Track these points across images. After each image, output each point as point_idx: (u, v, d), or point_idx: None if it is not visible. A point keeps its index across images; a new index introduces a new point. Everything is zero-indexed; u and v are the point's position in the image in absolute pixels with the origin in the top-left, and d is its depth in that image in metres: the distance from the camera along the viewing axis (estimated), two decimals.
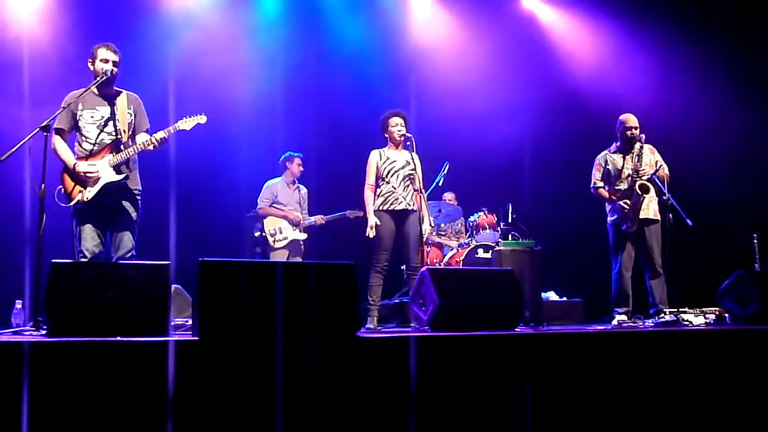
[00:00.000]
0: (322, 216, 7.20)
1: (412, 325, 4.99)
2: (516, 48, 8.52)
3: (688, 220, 5.67)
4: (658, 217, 6.01)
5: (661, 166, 6.03)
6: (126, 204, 4.84)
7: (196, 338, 3.64)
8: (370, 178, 5.79)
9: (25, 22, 6.74)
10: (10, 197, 6.25)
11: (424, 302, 4.66)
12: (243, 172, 7.54)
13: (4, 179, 6.08)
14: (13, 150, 4.32)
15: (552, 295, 7.07)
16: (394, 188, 5.70)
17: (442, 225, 7.95)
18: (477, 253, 7.16)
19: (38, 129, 4.39)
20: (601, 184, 6.16)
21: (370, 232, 5.65)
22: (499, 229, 7.47)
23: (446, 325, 4.40)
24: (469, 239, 7.50)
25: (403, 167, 5.75)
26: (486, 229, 7.47)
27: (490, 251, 6.93)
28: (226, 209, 7.47)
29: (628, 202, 5.95)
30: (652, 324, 5.49)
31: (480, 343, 4.04)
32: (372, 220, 5.66)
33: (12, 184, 6.12)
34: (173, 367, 3.44)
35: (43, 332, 3.95)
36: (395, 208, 5.67)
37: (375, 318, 5.57)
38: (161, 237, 6.33)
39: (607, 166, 6.14)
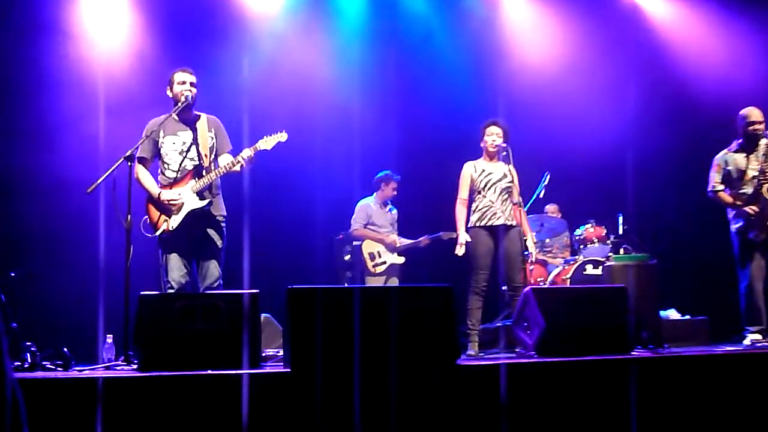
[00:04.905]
0: (427, 236, 7.19)
1: (516, 350, 4.94)
2: (617, 43, 8.32)
3: None
4: None
5: None
6: (211, 231, 5.01)
7: (288, 370, 3.73)
8: (463, 192, 5.79)
9: (101, 53, 7.09)
10: (95, 229, 6.58)
11: (529, 325, 4.63)
12: (326, 191, 7.63)
13: (87, 211, 6.43)
14: (99, 181, 4.59)
15: (672, 314, 6.83)
16: (492, 202, 5.68)
17: (546, 240, 7.83)
18: (585, 270, 7.02)
19: (122, 159, 4.65)
20: (721, 187, 5.93)
21: (459, 250, 5.65)
22: (609, 242, 7.29)
23: (554, 349, 4.35)
24: (576, 255, 7.36)
25: (500, 180, 5.72)
26: (594, 242, 7.31)
27: (600, 267, 6.78)
28: (311, 232, 7.58)
29: (755, 207, 5.70)
30: None
31: (592, 369, 3.96)
32: (462, 237, 5.66)
33: (95, 215, 6.45)
34: (266, 401, 3.53)
35: (135, 367, 4.14)
36: (493, 224, 5.64)
37: (476, 343, 5.54)
38: (244, 264, 6.51)
39: (728, 167, 5.91)
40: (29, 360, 4.40)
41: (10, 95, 6.80)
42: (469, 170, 5.79)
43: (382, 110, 7.95)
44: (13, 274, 5.38)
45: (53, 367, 4.40)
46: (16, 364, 4.35)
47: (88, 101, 6.78)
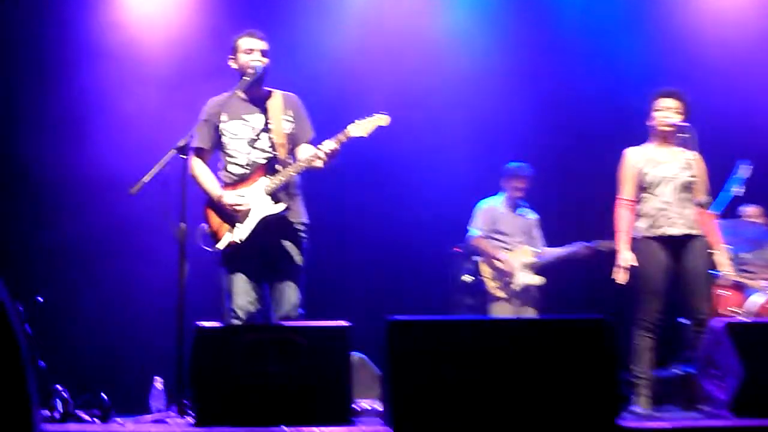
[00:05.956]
0: (585, 244, 7.07)
1: (702, 407, 4.84)
2: None
3: None
4: None
5: None
6: (288, 245, 5.07)
7: (389, 429, 3.74)
8: (625, 191, 5.70)
9: (144, 14, 7.33)
10: (140, 241, 6.80)
11: (721, 373, 4.55)
12: (440, 190, 7.65)
13: (129, 218, 6.66)
14: (145, 179, 4.71)
15: None
16: (667, 203, 5.58)
17: (744, 255, 7.59)
18: None
19: (174, 151, 4.74)
20: None
21: (620, 275, 5.56)
22: None
23: (758, 407, 4.27)
24: None
25: (678, 172, 5.60)
26: None
27: None
28: (419, 244, 7.61)
29: None
30: None
31: None
32: (625, 255, 5.57)
33: (140, 223, 6.67)
34: None
35: (190, 419, 4.25)
36: (668, 233, 5.54)
37: (645, 397, 5.44)
38: (329, 286, 6.57)
39: None
40: (60, 408, 4.59)
41: (32, 74, 7.12)
42: (632, 159, 5.69)
43: (516, 81, 7.91)
44: (41, 300, 5.62)
45: (89, 417, 4.58)
46: (44, 413, 4.55)
47: (130, 78, 7.04)
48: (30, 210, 7.00)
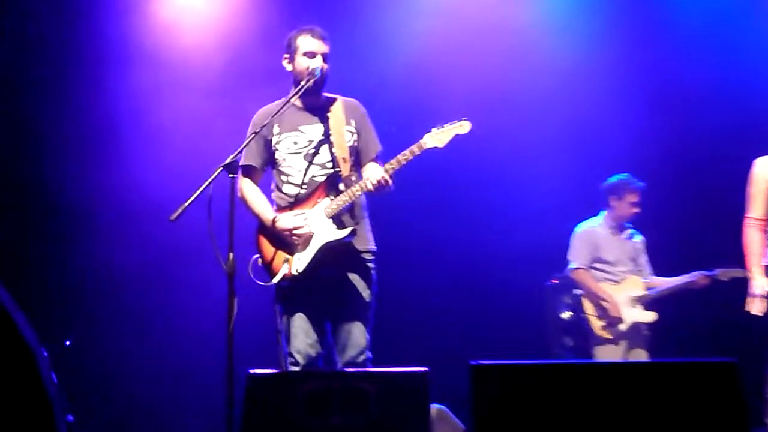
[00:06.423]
0: (703, 273, 6.95)
1: None
2: None
3: None
4: None
5: None
6: (354, 277, 5.08)
7: None
8: (755, 208, 5.71)
9: (186, 14, 7.46)
10: (183, 274, 6.89)
11: None
12: (531, 211, 7.59)
13: (171, 248, 6.76)
14: (187, 203, 4.73)
15: None
16: None
17: None
18: None
19: (220, 169, 4.72)
20: None
21: (755, 303, 5.53)
22: None
23: None
24: None
25: None
26: None
27: None
28: (507, 275, 7.55)
29: None
30: None
31: None
32: (760, 281, 5.54)
33: (182, 253, 6.76)
34: None
35: None
36: None
37: None
38: (402, 325, 6.57)
39: None
40: None
41: (58, 83, 7.28)
42: (764, 172, 5.67)
43: (620, 79, 7.85)
44: (68, 343, 5.74)
45: None
46: None
47: (169, 85, 7.15)
48: (56, 238, 7.09)
